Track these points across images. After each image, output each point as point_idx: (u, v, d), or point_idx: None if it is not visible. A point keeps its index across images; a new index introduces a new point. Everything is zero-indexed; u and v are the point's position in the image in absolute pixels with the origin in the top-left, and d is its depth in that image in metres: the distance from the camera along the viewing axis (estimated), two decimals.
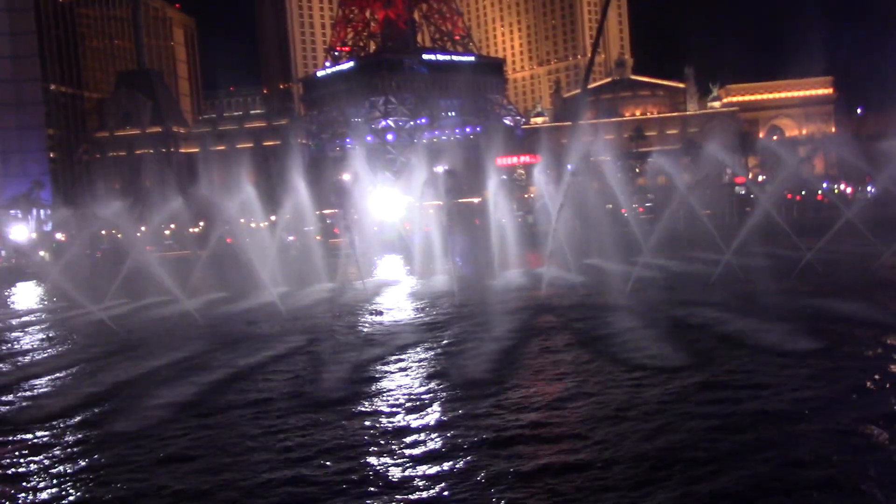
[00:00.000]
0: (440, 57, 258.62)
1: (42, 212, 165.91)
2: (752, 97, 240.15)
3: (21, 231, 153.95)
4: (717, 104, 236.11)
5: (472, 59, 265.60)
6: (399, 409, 27.26)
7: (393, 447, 23.17)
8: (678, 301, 47.71)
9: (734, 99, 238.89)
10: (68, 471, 23.37)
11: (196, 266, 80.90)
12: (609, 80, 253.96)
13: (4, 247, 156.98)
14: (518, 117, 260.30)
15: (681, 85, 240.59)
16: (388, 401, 28.64)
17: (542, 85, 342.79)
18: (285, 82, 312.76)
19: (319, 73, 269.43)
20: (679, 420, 23.64)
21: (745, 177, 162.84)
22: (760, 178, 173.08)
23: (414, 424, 25.40)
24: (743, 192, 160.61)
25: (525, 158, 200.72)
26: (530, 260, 79.89)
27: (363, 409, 27.82)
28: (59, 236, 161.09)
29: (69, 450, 25.49)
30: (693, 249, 76.17)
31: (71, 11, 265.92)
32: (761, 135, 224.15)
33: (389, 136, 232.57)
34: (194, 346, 43.27)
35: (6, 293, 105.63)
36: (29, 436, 27.27)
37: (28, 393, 35.10)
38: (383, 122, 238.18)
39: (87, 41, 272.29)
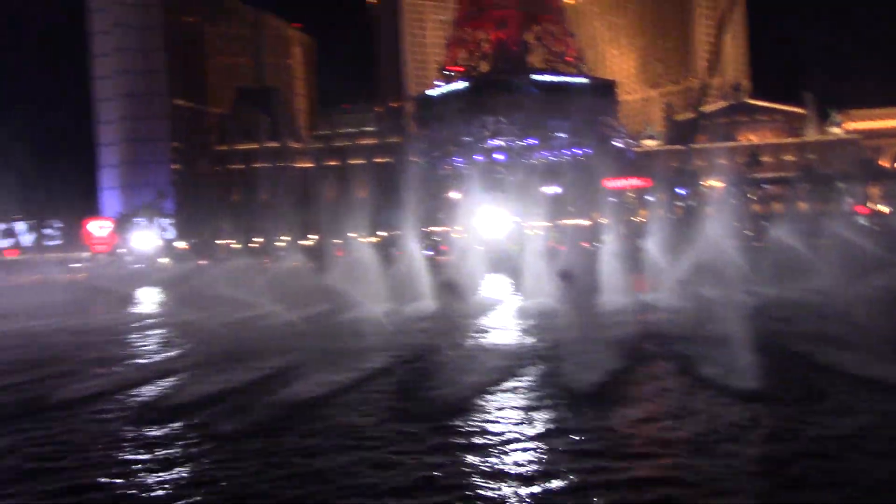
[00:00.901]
0: (551, 78, 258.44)
1: (165, 220, 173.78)
2: (876, 124, 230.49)
3: (145, 238, 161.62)
4: (838, 130, 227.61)
5: (583, 80, 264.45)
6: (506, 430, 27.40)
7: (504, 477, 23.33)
8: (796, 333, 46.24)
9: (856, 125, 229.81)
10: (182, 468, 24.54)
11: (306, 277, 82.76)
12: (725, 104, 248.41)
13: (130, 253, 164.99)
14: (629, 139, 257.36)
15: (800, 110, 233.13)
16: (496, 419, 28.84)
17: (653, 107, 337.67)
18: (398, 100, 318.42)
19: (432, 93, 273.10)
20: None
21: (866, 206, 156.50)
22: (885, 209, 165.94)
23: (514, 454, 25.49)
24: (863, 222, 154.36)
25: (635, 181, 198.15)
26: (638, 284, 78.79)
27: (472, 427, 28.06)
28: (180, 244, 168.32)
29: (180, 447, 26.77)
30: (810, 279, 73.67)
31: (197, 30, 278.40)
32: (885, 163, 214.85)
33: (499, 156, 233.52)
34: (290, 357, 44.29)
35: (129, 297, 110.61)
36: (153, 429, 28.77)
37: (149, 389, 37.04)
38: (493, 142, 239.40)
39: (210, 59, 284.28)
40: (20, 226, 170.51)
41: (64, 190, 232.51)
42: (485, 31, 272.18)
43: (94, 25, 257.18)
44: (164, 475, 24.34)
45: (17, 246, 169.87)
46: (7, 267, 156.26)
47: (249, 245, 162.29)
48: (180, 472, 24.65)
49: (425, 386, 34.81)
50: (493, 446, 25.35)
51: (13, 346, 58.48)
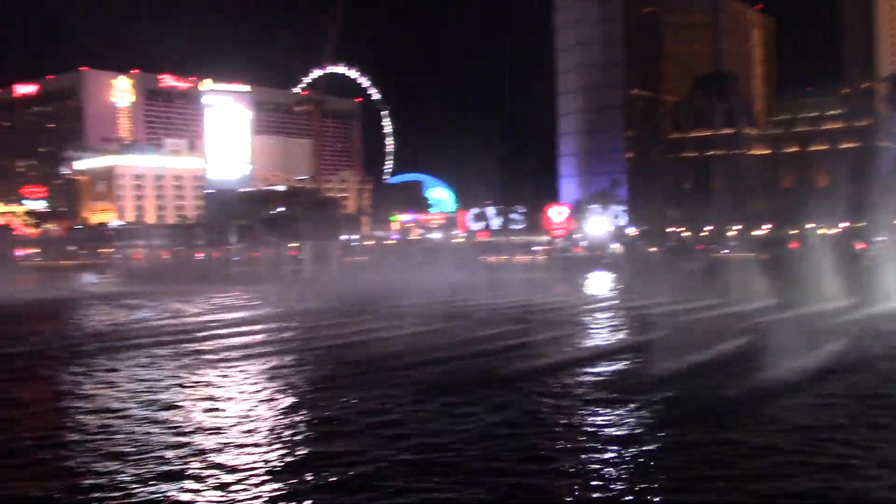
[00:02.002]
0: None
1: (618, 207, 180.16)
2: None
3: (599, 224, 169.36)
4: None
5: None
6: None
7: None
8: None
9: None
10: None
11: (754, 269, 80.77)
12: None
13: (584, 238, 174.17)
14: None
15: None
16: None
17: None
18: (868, 80, 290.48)
19: None
20: None
21: None
22: None
23: None
24: None
25: None
26: None
27: None
28: (631, 231, 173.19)
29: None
30: None
31: (655, 20, 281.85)
32: None
33: None
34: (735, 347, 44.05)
35: (582, 280, 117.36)
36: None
37: (601, 367, 40.02)
38: None
39: (667, 48, 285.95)
40: (490, 210, 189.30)
41: (528, 178, 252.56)
42: None
43: (559, 22, 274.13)
44: (608, 455, 26.66)
45: (487, 229, 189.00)
46: (479, 247, 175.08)
47: (700, 234, 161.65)
48: (624, 451, 26.81)
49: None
50: None
51: (505, 317, 66.31)
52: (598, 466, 25.06)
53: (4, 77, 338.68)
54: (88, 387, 40.60)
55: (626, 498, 22.42)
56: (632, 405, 32.27)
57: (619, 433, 28.58)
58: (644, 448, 26.61)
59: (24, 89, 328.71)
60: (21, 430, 32.06)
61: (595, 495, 22.74)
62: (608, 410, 31.90)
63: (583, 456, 26.15)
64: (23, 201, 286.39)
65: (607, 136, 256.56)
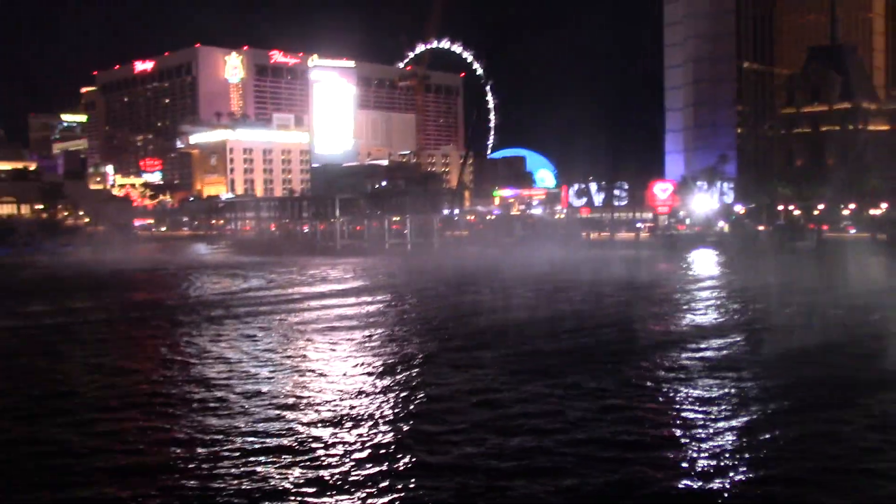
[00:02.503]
0: None
1: (725, 184, 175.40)
2: None
3: (705, 201, 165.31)
4: None
5: None
6: None
7: None
8: None
9: None
10: None
11: (870, 249, 78.11)
12: None
13: (689, 215, 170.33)
14: None
15: None
16: None
17: None
18: None
19: None
20: None
21: None
22: None
23: None
24: None
25: None
26: None
27: None
28: (738, 209, 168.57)
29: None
30: None
31: None
32: None
33: None
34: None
35: (686, 258, 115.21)
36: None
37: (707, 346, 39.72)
38: None
39: (781, 17, 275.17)
40: (593, 186, 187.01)
41: (632, 154, 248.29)
42: None
43: None
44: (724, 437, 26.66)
45: (589, 205, 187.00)
46: (581, 224, 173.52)
47: (812, 213, 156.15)
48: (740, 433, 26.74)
49: None
50: None
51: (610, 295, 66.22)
52: (711, 448, 25.12)
53: (125, 55, 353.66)
54: (194, 355, 42.68)
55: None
56: (744, 384, 32.16)
57: (731, 411, 28.51)
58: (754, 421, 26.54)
59: (142, 66, 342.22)
60: (122, 391, 34.13)
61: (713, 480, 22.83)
62: (718, 385, 31.81)
63: (694, 435, 26.23)
64: (141, 174, 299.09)
65: (716, 110, 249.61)
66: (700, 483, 22.00)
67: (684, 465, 23.30)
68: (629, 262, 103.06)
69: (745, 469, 22.82)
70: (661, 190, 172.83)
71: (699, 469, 22.95)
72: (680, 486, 21.84)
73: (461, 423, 27.83)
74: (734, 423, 27.24)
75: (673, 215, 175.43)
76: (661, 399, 30.93)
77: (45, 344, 46.10)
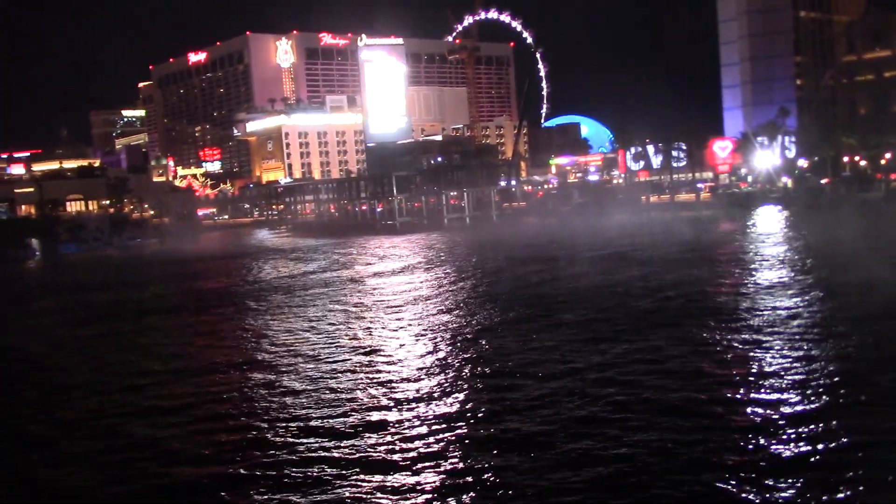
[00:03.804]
0: None
1: (786, 138, 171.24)
2: None
3: (766, 157, 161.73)
4: None
5: None
6: None
7: None
8: None
9: None
10: None
11: None
12: None
13: (750, 172, 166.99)
14: None
15: None
16: None
17: None
18: None
19: None
20: None
21: None
22: None
23: None
24: None
25: None
26: None
27: None
28: (801, 163, 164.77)
29: None
30: None
31: None
32: None
33: None
34: None
35: (751, 217, 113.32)
36: None
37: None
38: None
39: None
40: (650, 149, 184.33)
41: (688, 113, 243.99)
42: None
43: None
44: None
45: (647, 168, 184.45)
46: (640, 187, 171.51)
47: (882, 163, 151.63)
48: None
49: None
50: None
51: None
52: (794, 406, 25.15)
53: (178, 47, 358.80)
54: (264, 339, 43.85)
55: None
56: (825, 343, 31.98)
57: (808, 374, 28.43)
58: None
59: (195, 57, 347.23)
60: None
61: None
62: (801, 346, 31.70)
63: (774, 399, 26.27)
64: (201, 164, 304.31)
65: (774, 63, 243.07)
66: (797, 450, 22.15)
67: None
68: (692, 223, 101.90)
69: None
70: (721, 148, 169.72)
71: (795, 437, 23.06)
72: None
73: (535, 395, 28.29)
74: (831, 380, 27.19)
75: (734, 173, 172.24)
76: (741, 358, 30.94)
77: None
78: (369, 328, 43.53)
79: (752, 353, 31.31)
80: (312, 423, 26.72)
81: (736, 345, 32.93)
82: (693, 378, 28.42)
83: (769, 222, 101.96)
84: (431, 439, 24.21)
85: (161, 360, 38.91)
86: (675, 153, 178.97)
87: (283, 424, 26.70)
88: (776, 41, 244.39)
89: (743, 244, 74.27)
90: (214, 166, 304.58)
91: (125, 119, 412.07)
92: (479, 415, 26.30)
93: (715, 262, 61.61)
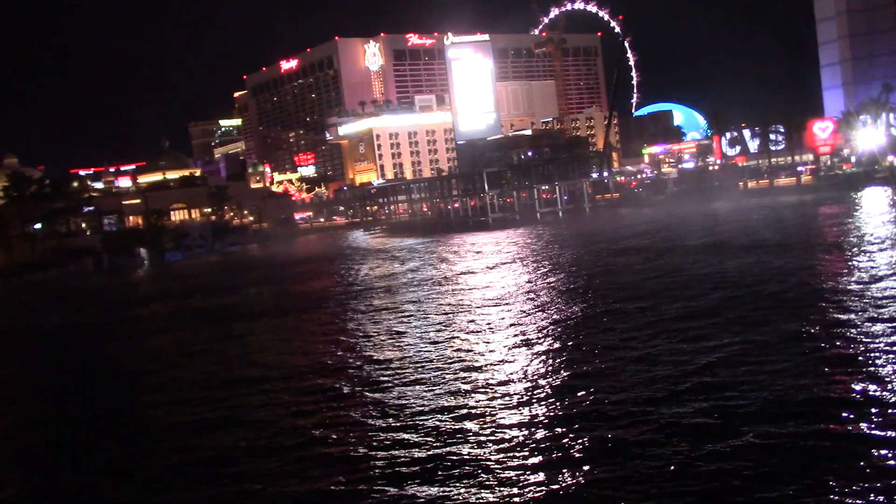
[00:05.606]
0: None
1: (891, 115, 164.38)
2: None
3: (870, 136, 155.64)
4: None
5: None
6: None
7: None
8: None
9: None
10: None
11: None
12: None
13: (853, 153, 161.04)
14: None
15: None
16: None
17: None
18: None
19: None
20: None
21: None
22: None
23: None
24: None
25: None
26: None
27: None
28: None
29: None
30: None
31: None
32: None
33: None
34: None
35: (857, 199, 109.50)
36: None
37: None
38: None
39: None
40: (746, 133, 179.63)
41: (786, 95, 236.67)
42: None
43: None
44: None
45: (744, 152, 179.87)
46: (738, 173, 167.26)
47: None
48: None
49: None
50: None
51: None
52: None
53: (270, 56, 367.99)
54: (356, 337, 45.02)
55: None
56: None
57: None
58: None
59: (287, 65, 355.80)
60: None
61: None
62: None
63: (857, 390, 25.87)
64: (296, 169, 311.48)
65: (874, 38, 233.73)
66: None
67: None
68: (792, 208, 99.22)
69: None
70: (821, 129, 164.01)
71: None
72: None
73: (643, 383, 28.56)
74: None
75: (836, 154, 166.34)
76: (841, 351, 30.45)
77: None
78: (452, 330, 44.05)
79: None
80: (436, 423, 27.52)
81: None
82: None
83: (877, 205, 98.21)
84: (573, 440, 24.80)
85: (283, 355, 40.59)
86: (772, 136, 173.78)
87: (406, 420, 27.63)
88: (875, 15, 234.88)
89: (853, 228, 71.97)
90: (309, 171, 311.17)
91: (222, 129, 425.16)
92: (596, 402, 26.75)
93: (813, 247, 60.10)
